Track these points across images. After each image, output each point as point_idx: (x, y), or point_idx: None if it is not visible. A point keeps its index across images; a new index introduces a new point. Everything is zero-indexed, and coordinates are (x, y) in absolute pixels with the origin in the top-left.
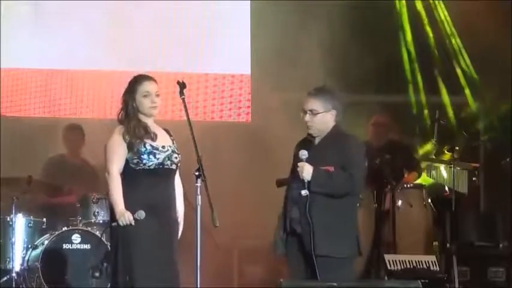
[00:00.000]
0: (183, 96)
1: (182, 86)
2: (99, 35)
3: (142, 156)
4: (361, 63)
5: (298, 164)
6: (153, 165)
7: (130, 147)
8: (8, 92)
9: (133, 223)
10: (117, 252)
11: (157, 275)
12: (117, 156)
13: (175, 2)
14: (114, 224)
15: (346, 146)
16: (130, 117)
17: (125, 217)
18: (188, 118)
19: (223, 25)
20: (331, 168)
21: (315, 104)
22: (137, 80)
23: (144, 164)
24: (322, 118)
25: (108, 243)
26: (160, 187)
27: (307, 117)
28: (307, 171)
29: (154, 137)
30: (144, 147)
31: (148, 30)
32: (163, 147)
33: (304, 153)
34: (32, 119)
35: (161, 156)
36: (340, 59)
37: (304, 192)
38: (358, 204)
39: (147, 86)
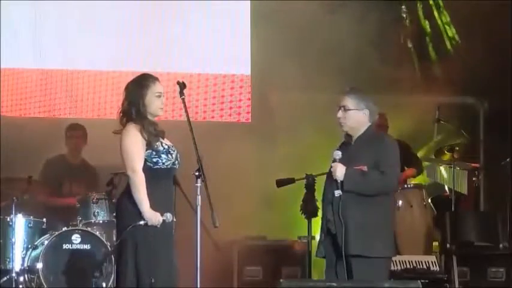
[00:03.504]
0: (183, 97)
1: (182, 86)
2: (99, 35)
3: (162, 155)
4: (363, 62)
5: (332, 164)
6: (170, 164)
7: (149, 145)
8: (8, 92)
9: (159, 225)
10: (139, 252)
11: (174, 276)
12: (139, 154)
13: (176, 2)
14: (142, 222)
15: (380, 145)
16: (142, 115)
17: (156, 218)
18: (188, 118)
19: (223, 25)
20: (364, 168)
21: (348, 101)
22: (149, 79)
23: (163, 163)
24: (354, 116)
25: (108, 243)
26: (171, 186)
27: (340, 113)
28: (340, 171)
29: (163, 137)
30: (162, 146)
31: (148, 30)
32: (172, 147)
33: (337, 154)
34: (32, 119)
35: (173, 156)
36: (341, 59)
37: (337, 192)
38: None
39: (159, 87)
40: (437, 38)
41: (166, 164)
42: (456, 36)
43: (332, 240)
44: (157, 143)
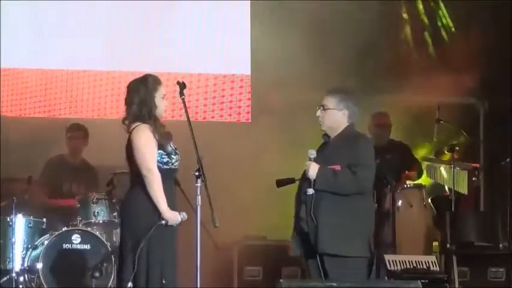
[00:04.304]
0: (183, 97)
1: (182, 86)
2: (99, 35)
3: (172, 155)
4: (363, 63)
5: (306, 163)
6: (177, 165)
7: (161, 145)
8: (8, 92)
9: (176, 224)
10: (151, 252)
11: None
12: (153, 153)
13: (175, 2)
14: (162, 222)
15: (355, 145)
16: (154, 117)
17: (176, 217)
18: (188, 118)
19: (223, 25)
20: (338, 167)
21: (327, 100)
22: (156, 81)
23: (173, 164)
24: (332, 115)
25: (108, 243)
26: (173, 186)
27: (319, 112)
28: (312, 169)
29: (171, 138)
30: (170, 146)
31: (148, 30)
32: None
33: (311, 153)
34: (32, 119)
35: (179, 157)
36: (341, 59)
37: (310, 191)
38: None
39: (163, 89)
40: (436, 35)
41: (175, 164)
42: (451, 24)
43: (305, 238)
44: (167, 144)
